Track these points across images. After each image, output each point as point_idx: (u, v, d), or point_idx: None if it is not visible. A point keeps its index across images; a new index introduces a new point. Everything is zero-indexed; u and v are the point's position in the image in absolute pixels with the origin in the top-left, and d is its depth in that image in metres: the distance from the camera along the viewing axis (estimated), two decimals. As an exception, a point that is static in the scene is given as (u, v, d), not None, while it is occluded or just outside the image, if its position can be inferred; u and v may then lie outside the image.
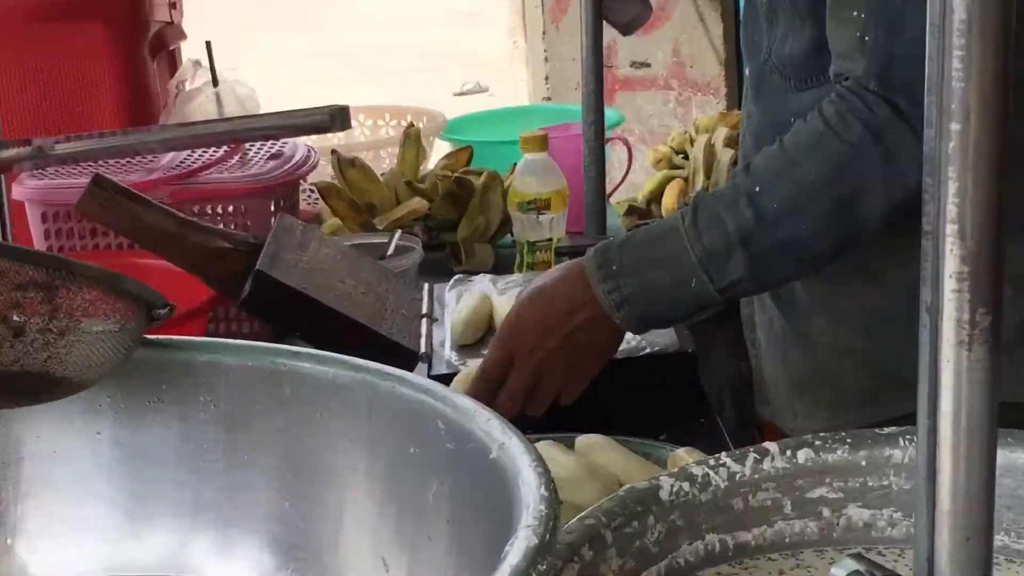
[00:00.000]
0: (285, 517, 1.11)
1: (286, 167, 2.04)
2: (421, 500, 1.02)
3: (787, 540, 1.02)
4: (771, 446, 1.03)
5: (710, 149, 2.66)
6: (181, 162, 2.06)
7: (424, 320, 1.74)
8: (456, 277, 1.93)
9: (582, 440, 1.43)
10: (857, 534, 1.02)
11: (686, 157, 2.75)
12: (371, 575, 1.06)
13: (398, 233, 2.12)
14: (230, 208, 1.98)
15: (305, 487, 1.10)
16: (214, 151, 2.08)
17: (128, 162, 2.09)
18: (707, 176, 2.56)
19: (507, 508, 0.89)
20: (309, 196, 2.48)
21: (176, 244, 1.67)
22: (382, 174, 2.39)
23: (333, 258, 1.79)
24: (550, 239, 1.99)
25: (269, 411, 1.12)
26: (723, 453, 1.04)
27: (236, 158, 2.07)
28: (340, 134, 2.66)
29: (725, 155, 2.58)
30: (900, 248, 1.44)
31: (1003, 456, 0.99)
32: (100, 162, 2.06)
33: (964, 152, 0.56)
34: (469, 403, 1.01)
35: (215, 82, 2.43)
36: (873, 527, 1.02)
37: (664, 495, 0.99)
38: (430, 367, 1.64)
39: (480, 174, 2.23)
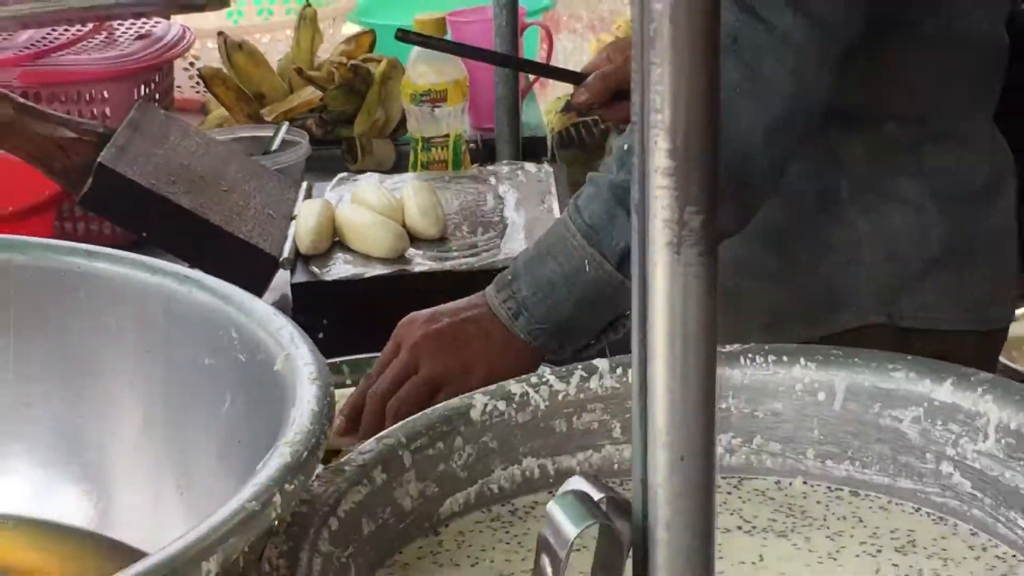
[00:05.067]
0: (77, 435, 1.13)
1: (153, 48, 2.03)
2: (215, 417, 1.04)
3: (616, 466, 1.05)
4: (601, 363, 1.05)
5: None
6: (39, 40, 2.05)
7: (293, 222, 1.75)
8: (340, 176, 1.93)
9: None
10: (692, 461, 1.04)
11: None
12: (164, 498, 1.08)
13: (285, 126, 2.13)
14: (88, 94, 1.97)
15: (99, 402, 1.12)
16: (78, 29, 2.07)
17: (-23, 41, 2.08)
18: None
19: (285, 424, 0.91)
20: (197, 84, 2.48)
21: (14, 132, 1.67)
22: (278, 60, 2.39)
23: (195, 152, 1.80)
24: (447, 135, 2.00)
25: (62, 317, 1.13)
26: (547, 370, 1.06)
27: (101, 37, 2.07)
28: (235, 13, 2.64)
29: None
30: (808, 158, 1.44)
31: (849, 378, 1.01)
32: (-54, 40, 2.06)
33: (669, 35, 0.57)
34: (265, 309, 1.02)
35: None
36: (710, 454, 1.04)
37: (476, 415, 1.01)
38: (293, 273, 1.66)
39: (380, 62, 2.23)
